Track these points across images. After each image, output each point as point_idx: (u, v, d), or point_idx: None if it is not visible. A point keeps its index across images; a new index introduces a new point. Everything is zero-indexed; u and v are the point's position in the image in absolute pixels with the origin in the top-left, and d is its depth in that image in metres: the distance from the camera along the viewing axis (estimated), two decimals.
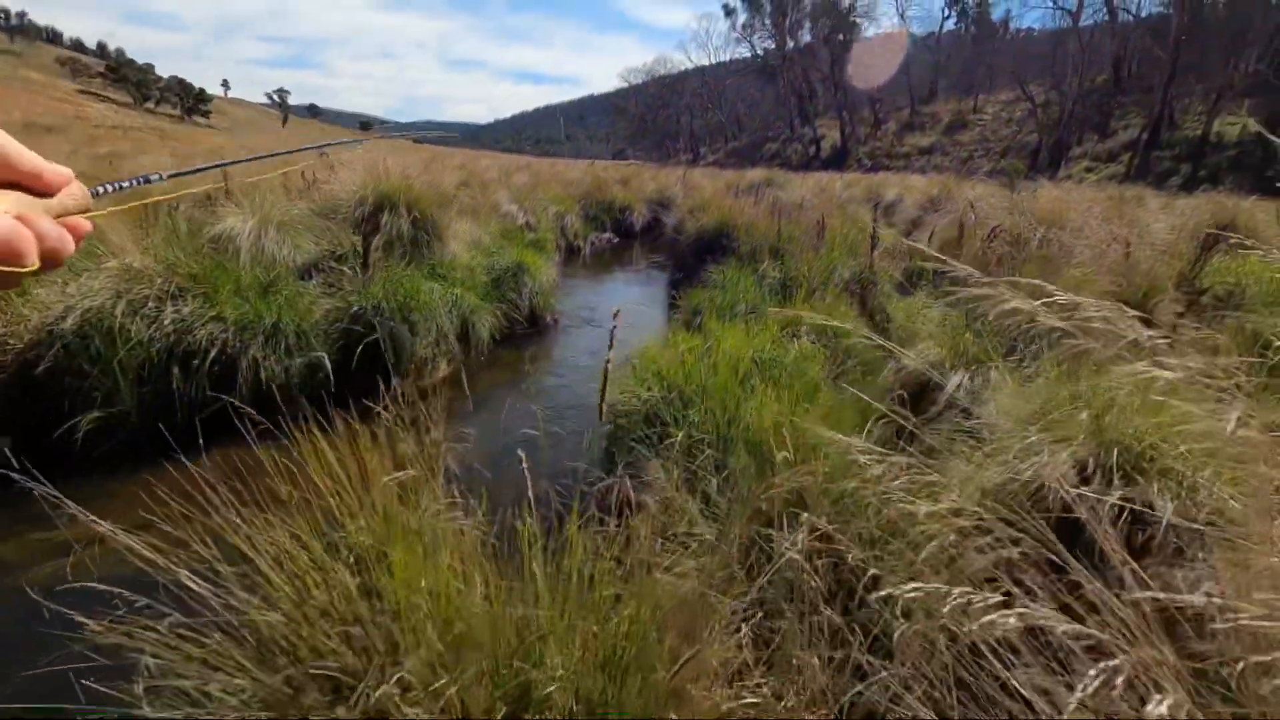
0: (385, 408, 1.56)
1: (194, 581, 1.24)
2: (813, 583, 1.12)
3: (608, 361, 1.10)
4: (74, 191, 0.44)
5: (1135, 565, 0.93)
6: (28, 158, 0.42)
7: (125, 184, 0.48)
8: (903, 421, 2.40)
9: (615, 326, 1.14)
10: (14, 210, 0.39)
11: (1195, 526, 1.56)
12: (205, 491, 1.47)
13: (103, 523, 1.23)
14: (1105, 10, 42.06)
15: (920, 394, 3.80)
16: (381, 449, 1.41)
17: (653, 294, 9.38)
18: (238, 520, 1.41)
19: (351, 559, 1.32)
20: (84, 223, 0.45)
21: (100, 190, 0.46)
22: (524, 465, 1.33)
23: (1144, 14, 41.00)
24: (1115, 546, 0.94)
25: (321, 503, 1.39)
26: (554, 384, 5.57)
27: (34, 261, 0.38)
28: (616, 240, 14.77)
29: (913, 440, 2.49)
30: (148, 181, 0.50)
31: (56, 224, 0.41)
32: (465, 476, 1.54)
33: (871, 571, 1.18)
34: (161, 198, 6.56)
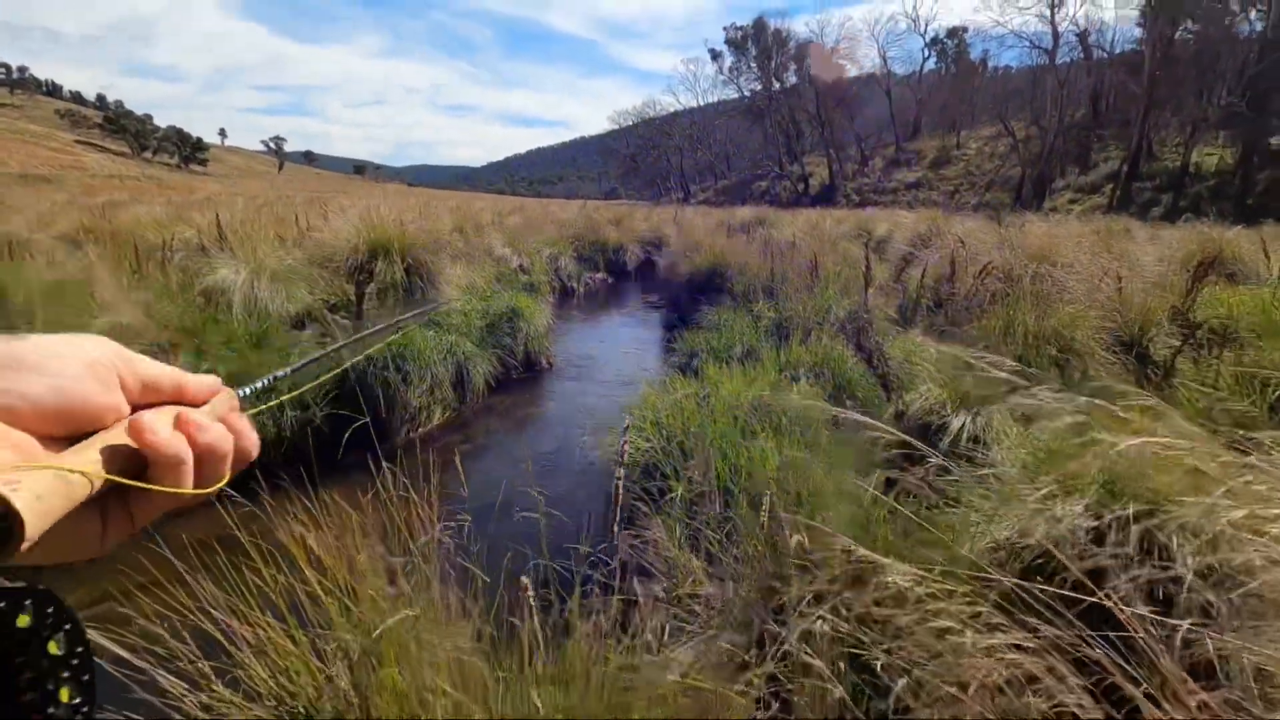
0: (377, 482, 1.50)
1: (168, 679, 1.16)
2: (837, 693, 1.05)
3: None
4: (223, 397, 0.45)
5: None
6: (168, 376, 0.42)
7: (259, 383, 0.52)
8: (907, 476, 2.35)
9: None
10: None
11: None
12: (190, 566, 1.40)
13: None
14: (1080, 48, 43.47)
15: (926, 431, 3.75)
16: (370, 540, 1.35)
17: (648, 336, 9.35)
18: (220, 607, 1.34)
19: (340, 656, 1.24)
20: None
21: (243, 392, 0.48)
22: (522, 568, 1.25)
23: (1118, 50, 42.36)
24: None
25: (308, 588, 1.32)
26: (550, 434, 5.50)
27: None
28: (610, 280, 14.84)
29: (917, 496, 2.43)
30: (276, 380, 0.54)
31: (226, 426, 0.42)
32: (460, 553, 1.47)
33: (903, 682, 1.11)
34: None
